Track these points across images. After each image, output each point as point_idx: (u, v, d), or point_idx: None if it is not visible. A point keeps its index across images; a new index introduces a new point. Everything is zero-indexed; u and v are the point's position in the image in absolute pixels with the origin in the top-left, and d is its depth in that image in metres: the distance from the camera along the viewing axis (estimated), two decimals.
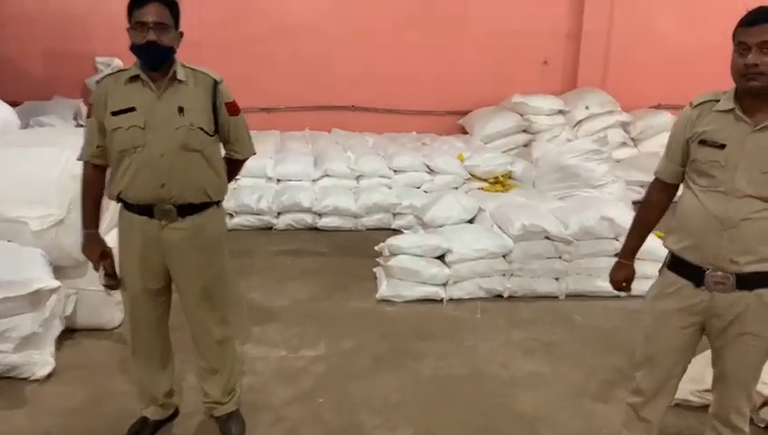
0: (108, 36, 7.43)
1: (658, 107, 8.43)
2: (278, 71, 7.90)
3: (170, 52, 2.50)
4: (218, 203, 2.71)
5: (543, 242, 4.32)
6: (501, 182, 6.23)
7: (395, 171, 6.18)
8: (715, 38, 8.84)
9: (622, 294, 2.62)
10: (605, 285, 4.51)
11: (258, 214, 5.64)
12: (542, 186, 6.14)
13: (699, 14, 8.25)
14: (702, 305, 2.22)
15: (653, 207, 2.42)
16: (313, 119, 8.00)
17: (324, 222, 5.69)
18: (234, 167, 2.82)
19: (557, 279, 4.37)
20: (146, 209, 2.54)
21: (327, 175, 6.07)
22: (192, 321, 2.74)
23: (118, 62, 7.44)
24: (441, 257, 4.27)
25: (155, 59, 2.47)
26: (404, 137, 7.66)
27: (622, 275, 2.51)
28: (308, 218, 5.70)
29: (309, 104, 7.99)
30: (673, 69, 8.40)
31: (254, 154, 2.87)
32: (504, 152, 7.29)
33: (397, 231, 5.71)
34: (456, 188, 6.21)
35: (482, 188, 6.17)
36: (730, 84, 2.17)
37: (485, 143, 7.45)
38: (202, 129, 2.55)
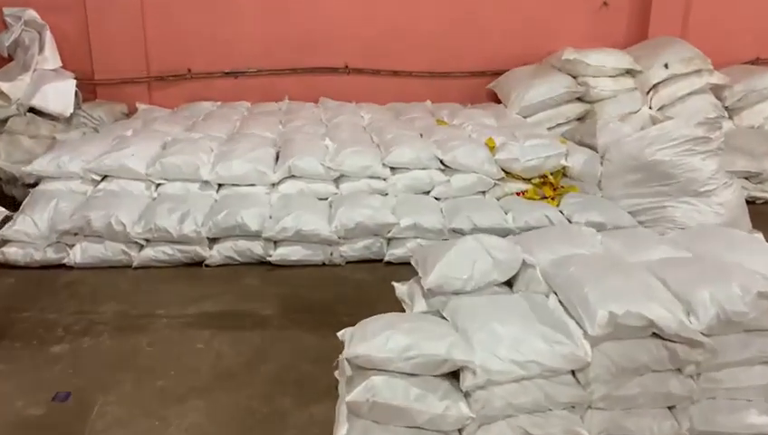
0: None
1: (756, 62, 6.03)
2: (246, 22, 5.70)
3: None
4: None
5: (648, 343, 2.16)
6: (551, 183, 4.01)
7: (392, 169, 4.00)
8: None
9: None
10: (761, 422, 2.43)
11: (181, 242, 3.55)
12: (613, 189, 3.92)
13: None
14: None
15: None
16: (296, 85, 5.84)
17: (281, 253, 3.58)
18: None
19: (671, 409, 2.22)
20: None
21: (292, 176, 3.93)
22: None
23: (32, 14, 5.36)
24: (454, 374, 2.15)
25: None
26: (414, 108, 5.47)
27: None
28: (257, 248, 3.59)
29: (288, 66, 5.79)
30: None
31: None
32: (550, 129, 5.10)
33: (391, 266, 3.61)
34: (484, 193, 4.02)
35: (522, 194, 3.97)
36: None
37: (525, 117, 5.23)
38: None
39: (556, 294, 2.39)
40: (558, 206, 3.81)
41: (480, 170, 3.96)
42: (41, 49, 5.26)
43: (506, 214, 3.71)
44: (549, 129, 5.12)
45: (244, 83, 5.81)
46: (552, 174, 4.03)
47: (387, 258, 3.62)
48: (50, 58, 5.26)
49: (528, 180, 4.04)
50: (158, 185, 3.88)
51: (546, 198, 3.91)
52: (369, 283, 3.42)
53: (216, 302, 3.17)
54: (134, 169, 3.83)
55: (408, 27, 5.80)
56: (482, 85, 5.92)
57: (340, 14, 5.71)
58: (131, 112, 5.58)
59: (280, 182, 3.91)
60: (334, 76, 5.85)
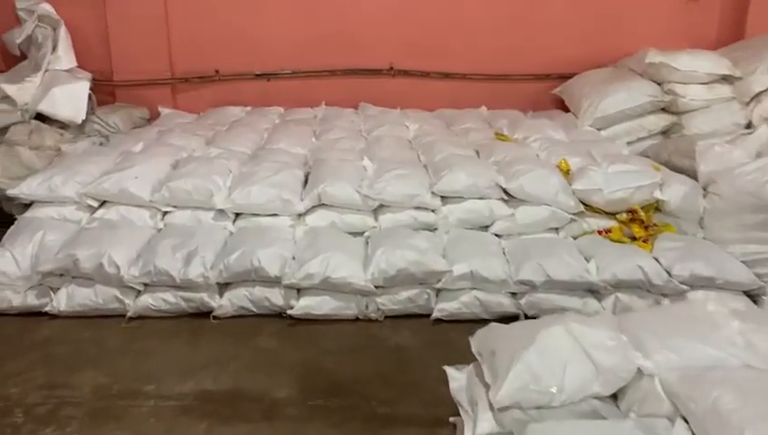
0: None
1: None
2: (279, 19, 5.00)
3: None
4: None
5: None
6: (641, 220, 3.17)
7: (443, 198, 3.23)
8: None
9: None
10: None
11: (186, 289, 2.86)
12: (721, 231, 3.07)
13: None
14: None
15: None
16: (334, 88, 5.10)
17: (305, 306, 2.85)
18: None
19: None
20: None
21: (321, 204, 3.20)
22: None
23: (46, 8, 4.76)
24: None
25: None
26: (468, 116, 4.71)
27: None
28: (276, 297, 2.87)
29: (325, 67, 5.06)
30: None
31: None
32: (629, 144, 4.27)
33: (440, 324, 2.86)
34: (557, 229, 3.22)
35: (606, 233, 3.15)
36: None
37: (599, 129, 4.38)
38: None
39: (685, 420, 1.60)
40: (652, 251, 2.98)
41: (553, 202, 3.15)
42: (54, 47, 4.66)
43: (588, 261, 2.90)
44: (627, 144, 4.27)
45: (276, 86, 5.11)
46: (642, 208, 3.19)
47: (435, 314, 2.86)
48: (63, 57, 4.65)
49: (612, 215, 3.21)
50: (166, 213, 3.21)
51: (636, 239, 3.08)
52: (413, 349, 2.68)
53: (221, 374, 2.47)
54: (137, 194, 3.17)
55: (462, 23, 5.00)
56: (545, 90, 5.08)
57: (385, 9, 4.95)
58: (153, 117, 4.95)
59: (307, 212, 3.19)
60: (377, 79, 5.09)
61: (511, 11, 4.99)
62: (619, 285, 2.84)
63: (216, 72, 5.06)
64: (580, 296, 2.86)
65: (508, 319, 2.85)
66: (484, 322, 2.83)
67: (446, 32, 5.00)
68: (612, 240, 3.07)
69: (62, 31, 4.70)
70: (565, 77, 4.99)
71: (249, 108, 4.99)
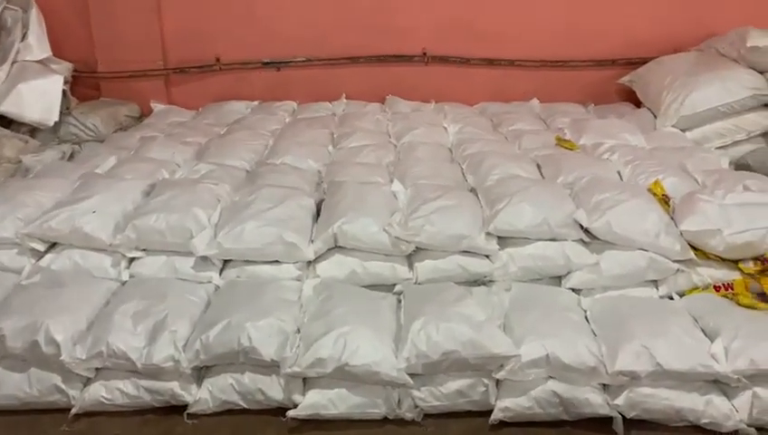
0: None
1: None
2: None
3: None
4: None
5: None
6: None
7: (501, 238, 2.33)
8: None
9: None
10: None
11: (151, 376, 2.01)
12: None
13: None
14: None
15: None
16: (357, 78, 4.21)
17: (314, 403, 1.97)
18: None
19: None
20: None
21: (337, 247, 2.32)
22: None
23: None
24: None
25: None
26: (517, 111, 3.84)
27: None
28: (273, 389, 2.00)
29: (346, 54, 4.15)
30: None
31: None
32: (719, 148, 3.32)
33: (504, 428, 1.98)
34: (656, 283, 2.30)
35: (726, 289, 2.22)
36: None
37: (683, 129, 3.43)
38: None
39: None
40: None
41: (652, 247, 2.23)
42: (24, 33, 3.81)
43: (711, 339, 1.99)
44: (718, 149, 3.32)
45: (288, 76, 4.22)
46: None
47: (496, 414, 1.97)
48: (35, 45, 3.80)
49: (734, 264, 2.27)
50: (133, 259, 2.36)
51: None
52: None
53: None
54: (93, 235, 2.32)
55: (509, 1, 4.04)
56: (609, 79, 4.11)
57: None
58: (145, 114, 4.11)
59: (319, 258, 2.32)
60: (407, 66, 4.17)
61: None
62: (758, 377, 1.93)
63: (217, 60, 4.17)
64: (700, 392, 1.95)
65: (599, 422, 1.97)
66: (564, 425, 1.99)
67: (489, 10, 4.04)
68: (741, 304, 2.14)
69: (34, 13, 3.85)
70: (634, 63, 4.01)
71: (256, 102, 4.14)
